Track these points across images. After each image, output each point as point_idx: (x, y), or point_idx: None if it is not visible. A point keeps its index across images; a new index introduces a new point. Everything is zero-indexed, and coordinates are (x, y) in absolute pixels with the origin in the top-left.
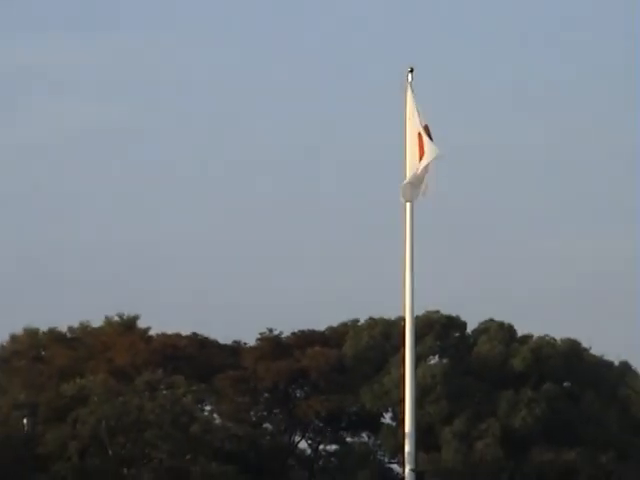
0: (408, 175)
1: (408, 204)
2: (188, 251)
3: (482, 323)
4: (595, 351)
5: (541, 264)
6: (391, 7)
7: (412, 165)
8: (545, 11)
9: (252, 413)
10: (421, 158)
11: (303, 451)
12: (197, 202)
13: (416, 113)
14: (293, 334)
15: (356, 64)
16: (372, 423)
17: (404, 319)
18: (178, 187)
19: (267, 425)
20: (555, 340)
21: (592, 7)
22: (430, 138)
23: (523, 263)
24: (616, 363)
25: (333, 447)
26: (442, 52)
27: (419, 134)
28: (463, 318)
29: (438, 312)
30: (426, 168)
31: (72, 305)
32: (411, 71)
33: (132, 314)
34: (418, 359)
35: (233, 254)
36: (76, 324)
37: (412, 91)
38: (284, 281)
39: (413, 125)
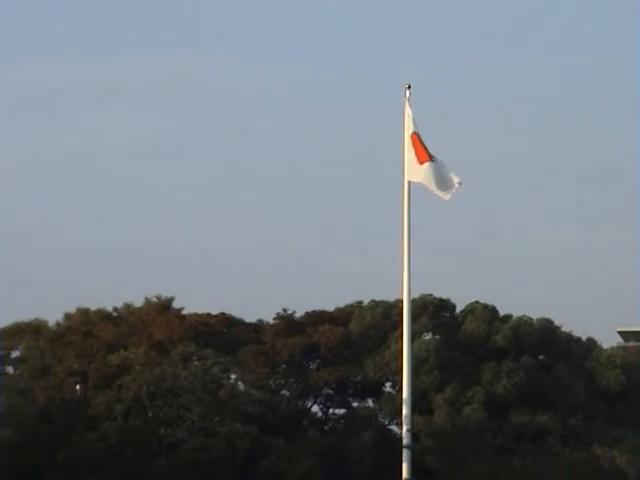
0: (410, 175)
1: (406, 197)
2: (217, 244)
3: (469, 305)
4: (565, 329)
5: (521, 253)
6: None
7: (410, 167)
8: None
9: (271, 382)
10: (422, 162)
11: (315, 414)
12: (222, 202)
13: (412, 124)
14: (306, 314)
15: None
16: (374, 390)
17: (402, 301)
18: (205, 185)
19: (284, 392)
20: (532, 319)
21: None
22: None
23: (505, 252)
24: (583, 339)
25: (341, 411)
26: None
27: (418, 140)
28: (453, 301)
29: (431, 295)
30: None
31: (117, 288)
32: (409, 87)
33: (168, 296)
34: (414, 335)
35: (255, 245)
36: (120, 304)
37: (410, 106)
38: (299, 269)
39: (411, 133)
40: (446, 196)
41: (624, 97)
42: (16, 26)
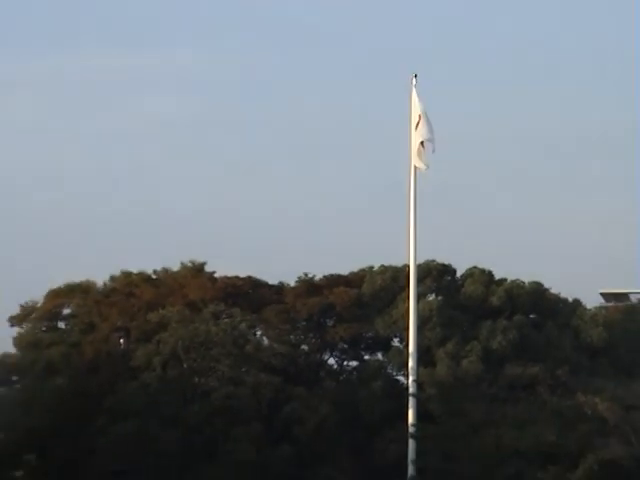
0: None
1: (412, 177)
2: (246, 213)
3: (468, 270)
4: (554, 291)
5: (513, 223)
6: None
7: (415, 152)
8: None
9: (292, 337)
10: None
11: (331, 366)
12: (249, 177)
13: (419, 109)
14: (324, 277)
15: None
16: (384, 345)
17: (408, 266)
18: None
19: (303, 346)
20: (524, 283)
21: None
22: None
23: (500, 222)
24: (570, 300)
25: (354, 363)
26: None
27: (418, 123)
28: (454, 266)
29: (434, 261)
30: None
31: (157, 253)
32: (415, 76)
33: (201, 261)
34: (419, 297)
35: (280, 215)
36: (159, 268)
37: (417, 94)
38: (318, 237)
39: (416, 117)
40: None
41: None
42: (65, 22)
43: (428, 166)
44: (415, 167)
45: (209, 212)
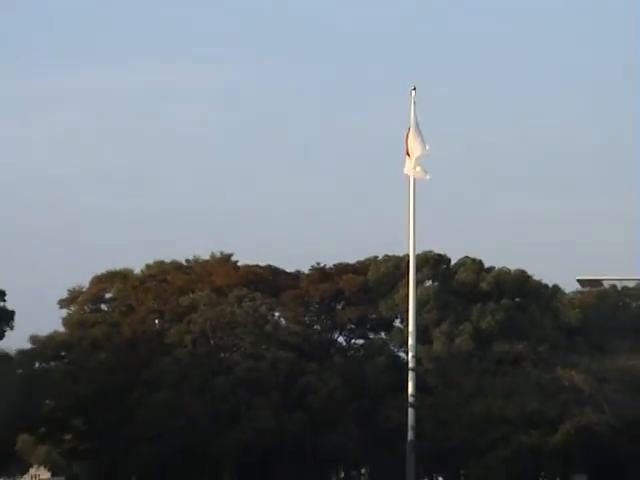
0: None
1: (412, 180)
2: (269, 210)
3: (461, 259)
4: (536, 277)
5: (500, 218)
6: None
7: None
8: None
9: (306, 318)
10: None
11: (340, 344)
12: (271, 179)
13: (415, 121)
14: (334, 265)
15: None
16: (387, 325)
17: (409, 256)
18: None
19: (316, 326)
20: (510, 270)
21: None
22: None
23: (489, 218)
24: (550, 285)
25: (360, 341)
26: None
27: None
28: (448, 255)
29: (431, 251)
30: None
31: (188, 244)
32: (414, 89)
33: (227, 251)
34: (417, 283)
35: (299, 211)
36: (190, 257)
37: (414, 105)
38: (329, 230)
39: (413, 128)
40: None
41: None
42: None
43: (418, 175)
44: (410, 164)
45: (237, 207)
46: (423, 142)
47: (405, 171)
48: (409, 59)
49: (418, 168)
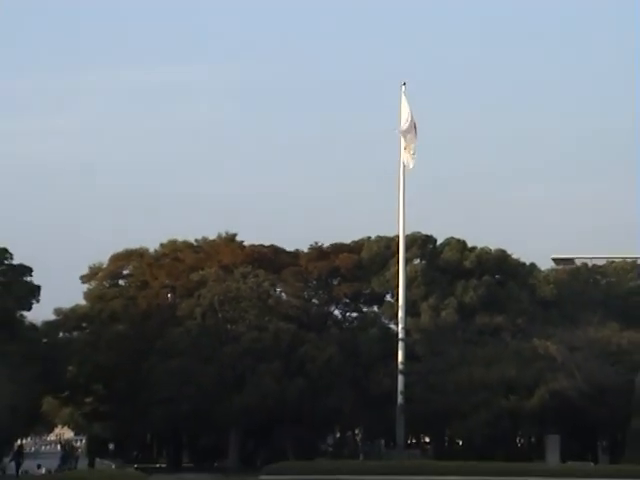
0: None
1: (402, 168)
2: (270, 194)
3: (446, 239)
4: (515, 256)
5: (484, 202)
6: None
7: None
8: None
9: (305, 293)
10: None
11: (336, 316)
12: (278, 168)
13: (407, 113)
14: (331, 245)
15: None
16: (379, 300)
17: (398, 237)
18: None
19: (314, 300)
20: (491, 249)
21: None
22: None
23: (472, 201)
24: (527, 263)
25: (354, 314)
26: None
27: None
28: (435, 236)
29: (419, 232)
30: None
31: (197, 224)
32: (404, 84)
33: (233, 231)
34: (406, 261)
35: (297, 196)
36: (199, 237)
37: (406, 98)
38: (326, 212)
39: (405, 119)
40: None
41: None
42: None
43: (412, 163)
44: (403, 161)
45: (242, 192)
46: (416, 132)
47: (403, 160)
48: (400, 55)
49: (410, 155)
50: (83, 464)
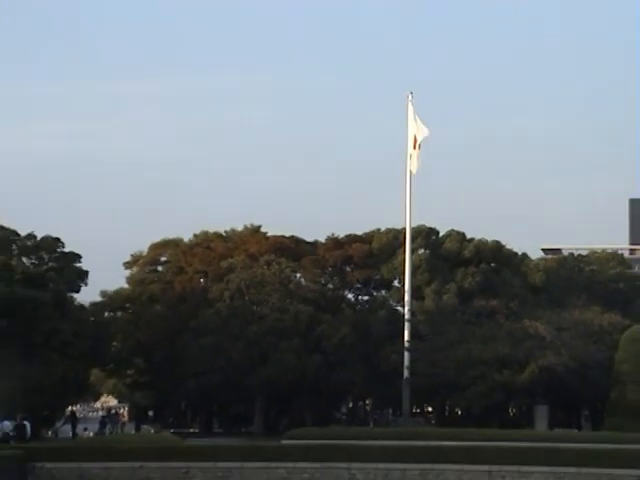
0: (411, 154)
1: (408, 169)
2: (293, 188)
3: (447, 231)
4: (509, 247)
5: (481, 198)
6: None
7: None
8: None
9: (322, 279)
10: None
11: (350, 299)
12: (296, 164)
13: (414, 120)
14: (345, 236)
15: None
16: (387, 285)
17: (405, 229)
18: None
19: (330, 285)
20: (487, 240)
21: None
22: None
23: (471, 199)
24: (519, 253)
25: (366, 297)
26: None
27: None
28: (437, 229)
29: (424, 225)
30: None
31: (224, 216)
32: (411, 93)
33: (258, 224)
34: (412, 250)
35: (317, 191)
36: (228, 228)
37: (412, 106)
38: (341, 207)
39: (412, 125)
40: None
41: None
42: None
43: (416, 169)
44: (410, 160)
45: (267, 185)
46: (422, 137)
47: (410, 167)
48: (406, 65)
49: (416, 163)
50: (130, 429)
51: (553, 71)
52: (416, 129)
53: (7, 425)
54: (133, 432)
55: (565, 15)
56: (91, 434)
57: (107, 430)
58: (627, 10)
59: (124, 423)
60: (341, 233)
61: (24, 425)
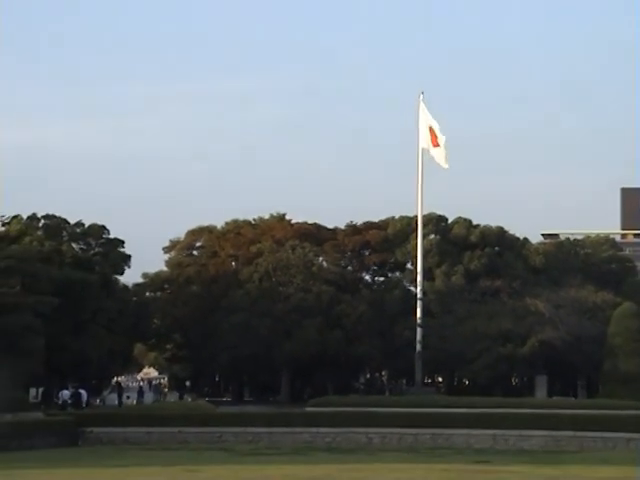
0: (426, 147)
1: (420, 162)
2: (317, 179)
3: (455, 219)
4: (511, 232)
5: (487, 188)
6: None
7: (424, 137)
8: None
9: (342, 262)
10: (435, 146)
11: (367, 280)
12: (315, 158)
13: (427, 120)
14: (363, 223)
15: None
16: (401, 267)
17: (417, 216)
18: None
19: (349, 267)
20: (492, 226)
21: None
22: (436, 136)
23: (478, 188)
24: (521, 238)
25: (382, 279)
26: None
27: (431, 129)
28: (446, 216)
29: (435, 213)
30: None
31: (254, 206)
32: (422, 93)
33: (282, 212)
34: (424, 236)
35: (338, 180)
36: (256, 216)
37: (424, 105)
38: (360, 197)
39: (425, 125)
40: (445, 165)
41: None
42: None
43: (445, 162)
44: (422, 152)
45: (292, 181)
46: (440, 135)
47: (437, 159)
48: (417, 66)
49: (443, 155)
50: (171, 398)
51: (553, 71)
52: (430, 125)
53: (66, 394)
54: (173, 400)
55: (565, 15)
56: (134, 402)
57: (145, 398)
58: (627, 9)
59: (166, 394)
60: (359, 220)
61: (79, 393)
